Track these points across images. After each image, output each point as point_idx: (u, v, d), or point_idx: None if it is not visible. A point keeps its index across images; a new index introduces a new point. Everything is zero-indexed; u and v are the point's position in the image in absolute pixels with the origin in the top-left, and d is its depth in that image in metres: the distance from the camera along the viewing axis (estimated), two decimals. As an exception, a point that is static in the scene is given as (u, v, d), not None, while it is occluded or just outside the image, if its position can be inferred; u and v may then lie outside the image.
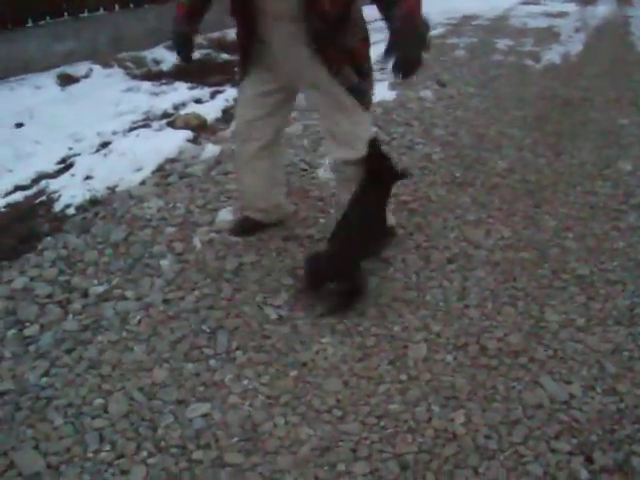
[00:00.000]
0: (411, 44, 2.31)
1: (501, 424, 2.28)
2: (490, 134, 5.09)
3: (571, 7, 13.32)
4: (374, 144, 2.79)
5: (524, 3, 13.60)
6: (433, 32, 9.42)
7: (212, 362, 2.51)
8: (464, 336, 2.70)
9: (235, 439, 2.18)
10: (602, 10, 13.31)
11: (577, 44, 9.26)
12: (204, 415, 2.27)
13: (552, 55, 8.38)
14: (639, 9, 13.32)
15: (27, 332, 2.65)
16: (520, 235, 3.53)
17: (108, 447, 2.13)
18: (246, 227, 3.39)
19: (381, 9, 2.44)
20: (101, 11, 6.85)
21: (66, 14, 6.39)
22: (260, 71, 2.91)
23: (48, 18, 6.20)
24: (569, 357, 2.61)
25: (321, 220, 3.54)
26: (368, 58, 2.79)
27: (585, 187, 4.18)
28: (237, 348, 2.59)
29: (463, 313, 2.86)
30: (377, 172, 2.79)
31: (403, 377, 2.47)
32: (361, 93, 2.79)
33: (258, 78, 2.94)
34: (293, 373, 2.47)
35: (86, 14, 6.64)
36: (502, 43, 8.95)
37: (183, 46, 2.97)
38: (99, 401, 2.31)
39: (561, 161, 4.61)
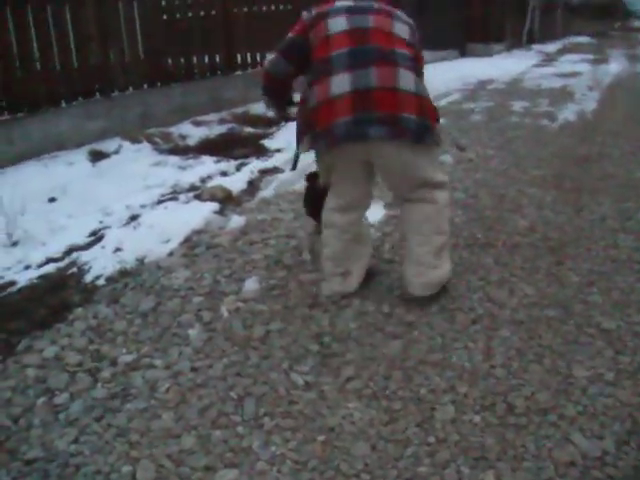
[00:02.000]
0: None
1: (532, 484, 2.26)
2: (510, 194, 5.14)
3: (583, 67, 13.52)
4: None
5: (537, 66, 13.85)
6: (450, 98, 9.61)
7: (240, 429, 2.52)
8: (491, 396, 2.69)
9: (263, 505, 2.18)
10: (614, 68, 13.47)
11: (591, 102, 9.39)
12: (232, 481, 2.28)
13: (567, 114, 8.50)
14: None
15: (57, 400, 2.69)
16: (544, 293, 3.53)
17: (137, 514, 2.15)
18: None
19: None
20: (130, 90, 7.13)
21: (97, 94, 6.66)
22: None
23: (81, 98, 6.45)
24: (600, 412, 2.58)
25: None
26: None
27: (607, 241, 4.19)
28: (265, 414, 2.60)
29: (489, 373, 2.85)
30: None
31: (431, 439, 2.46)
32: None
33: None
34: (321, 438, 2.47)
35: (116, 93, 6.91)
36: (518, 105, 9.09)
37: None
38: (127, 468, 2.33)
39: (582, 217, 4.64)
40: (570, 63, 14.41)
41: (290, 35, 3.25)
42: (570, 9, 31.38)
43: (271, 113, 3.60)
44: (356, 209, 3.39)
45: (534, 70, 13.17)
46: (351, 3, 3.20)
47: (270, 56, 3.31)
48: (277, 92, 3.52)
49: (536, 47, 21.88)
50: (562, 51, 21.72)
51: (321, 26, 3.11)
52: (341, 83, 2.99)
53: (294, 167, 3.47)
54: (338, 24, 3.09)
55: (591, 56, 18.93)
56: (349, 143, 3.04)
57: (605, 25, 37.84)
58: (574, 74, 12.39)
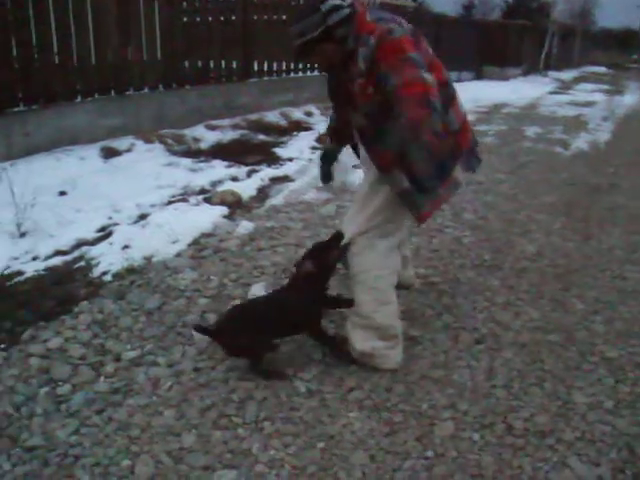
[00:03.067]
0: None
1: (528, 505, 2.26)
2: (519, 219, 5.16)
3: (598, 96, 13.56)
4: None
5: (552, 92, 13.90)
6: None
7: (240, 431, 2.53)
8: (491, 415, 2.70)
9: (260, 507, 2.19)
10: (628, 99, 13.52)
11: (605, 132, 9.42)
12: (230, 482, 2.28)
13: (580, 143, 8.53)
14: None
15: (59, 391, 2.71)
16: (548, 318, 3.54)
17: (134, 509, 2.15)
18: None
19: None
20: (146, 90, 7.16)
21: (113, 91, 6.69)
22: None
23: (96, 94, 6.49)
24: (598, 439, 2.59)
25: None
26: (431, 174, 2.77)
27: (614, 271, 4.20)
28: (265, 418, 2.61)
29: (490, 393, 2.85)
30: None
31: (429, 453, 2.47)
32: (411, 202, 2.80)
33: None
34: (320, 445, 2.48)
35: (131, 92, 6.94)
36: (531, 130, 9.12)
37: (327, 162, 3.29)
38: (126, 462, 2.34)
39: (590, 246, 4.66)
40: (585, 92, 14.46)
41: (414, 53, 2.59)
42: (589, 37, 31.50)
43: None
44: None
45: (549, 97, 13.23)
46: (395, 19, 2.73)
47: (423, 75, 2.55)
48: None
49: (552, 74, 21.96)
50: (578, 79, 21.82)
51: (423, 46, 2.73)
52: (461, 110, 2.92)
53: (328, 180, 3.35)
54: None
55: (607, 86, 19.02)
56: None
57: (622, 56, 37.95)
58: (589, 103, 12.43)
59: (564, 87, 18.09)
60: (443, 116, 2.67)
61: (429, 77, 2.55)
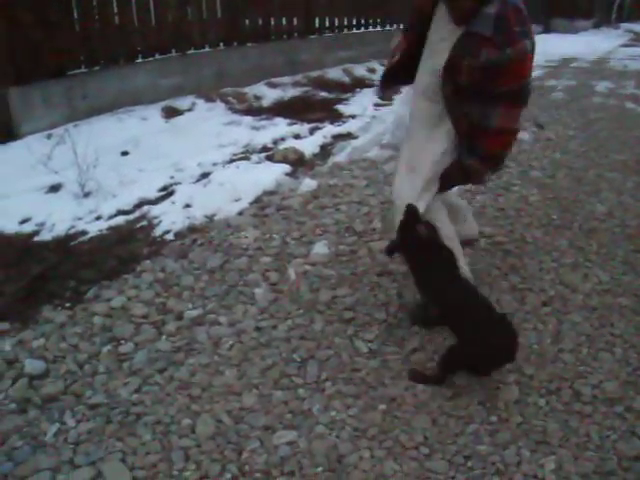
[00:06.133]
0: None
1: (594, 474, 2.19)
2: (589, 177, 4.99)
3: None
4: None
5: (625, 45, 13.38)
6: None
7: (301, 391, 2.52)
8: (557, 380, 2.62)
9: (320, 469, 2.18)
10: None
11: (681, 87, 9.02)
12: (290, 443, 2.27)
13: (655, 98, 8.19)
14: None
15: (122, 349, 2.74)
16: (619, 280, 3.42)
17: (193, 466, 2.17)
18: None
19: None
20: (206, 48, 7.12)
21: (174, 51, 6.67)
22: None
23: (157, 54, 6.49)
24: (670, 408, 2.49)
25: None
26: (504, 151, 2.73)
27: (690, 233, 4.01)
28: (326, 379, 2.59)
29: (557, 357, 2.78)
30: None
31: (493, 418, 2.42)
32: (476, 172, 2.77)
33: None
34: (382, 407, 2.45)
35: (192, 51, 6.91)
36: (602, 86, 8.80)
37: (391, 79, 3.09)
38: (187, 421, 2.35)
39: (663, 206, 4.46)
40: (661, 44, 13.90)
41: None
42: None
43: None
44: None
45: (621, 50, 12.74)
46: None
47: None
48: None
49: (625, 25, 21.09)
50: (652, 31, 20.89)
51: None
52: None
53: None
54: None
55: (682, 38, 18.20)
56: None
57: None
58: (663, 56, 11.93)
59: (637, 39, 17.37)
60: None
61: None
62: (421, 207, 2.73)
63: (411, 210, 2.67)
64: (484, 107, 2.57)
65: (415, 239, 2.63)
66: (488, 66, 2.45)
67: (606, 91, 8.48)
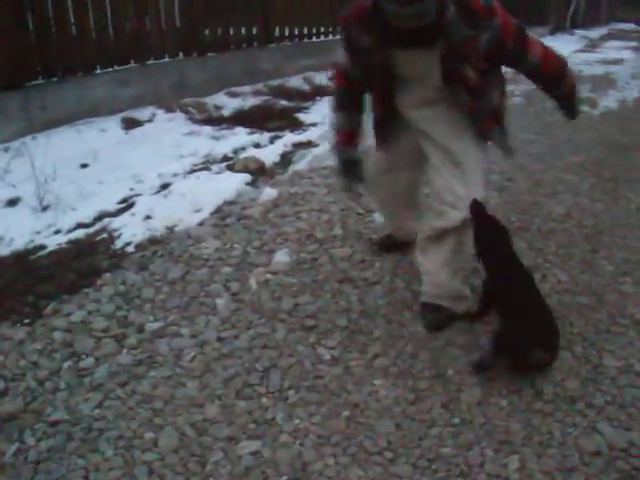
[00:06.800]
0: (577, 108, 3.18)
1: (557, 471, 2.22)
2: (546, 180, 5.05)
3: (627, 54, 13.24)
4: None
5: (580, 51, 13.59)
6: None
7: (264, 400, 2.52)
8: (519, 380, 2.65)
9: (284, 478, 2.17)
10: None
11: (634, 91, 9.20)
12: (254, 453, 2.27)
13: (609, 102, 8.35)
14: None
15: (82, 364, 2.71)
16: (577, 280, 3.47)
17: (157, 481, 2.14)
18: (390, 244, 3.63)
19: (547, 89, 3.07)
20: (166, 59, 7.08)
21: (132, 61, 6.62)
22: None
23: (115, 65, 6.44)
24: (629, 403, 2.54)
25: (376, 264, 3.55)
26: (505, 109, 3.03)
27: (643, 232, 4.09)
28: (289, 387, 2.59)
29: (518, 358, 2.80)
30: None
31: (456, 420, 2.44)
32: (507, 147, 3.08)
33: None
34: (345, 413, 2.46)
35: (151, 61, 6.87)
36: (559, 90, 8.91)
37: (353, 171, 3.12)
38: (150, 435, 2.34)
39: (618, 206, 4.55)
40: (614, 50, 14.11)
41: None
42: (616, -7, 30.71)
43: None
44: None
45: (577, 55, 12.93)
46: None
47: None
48: None
49: (580, 32, 21.42)
50: (606, 37, 21.24)
51: None
52: None
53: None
54: None
55: (636, 44, 18.50)
56: None
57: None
58: (618, 61, 12.14)
59: (592, 45, 17.66)
60: None
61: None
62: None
63: (479, 205, 2.82)
64: (518, 63, 2.80)
65: (495, 231, 2.89)
66: (489, 47, 2.55)
67: (562, 95, 8.60)
